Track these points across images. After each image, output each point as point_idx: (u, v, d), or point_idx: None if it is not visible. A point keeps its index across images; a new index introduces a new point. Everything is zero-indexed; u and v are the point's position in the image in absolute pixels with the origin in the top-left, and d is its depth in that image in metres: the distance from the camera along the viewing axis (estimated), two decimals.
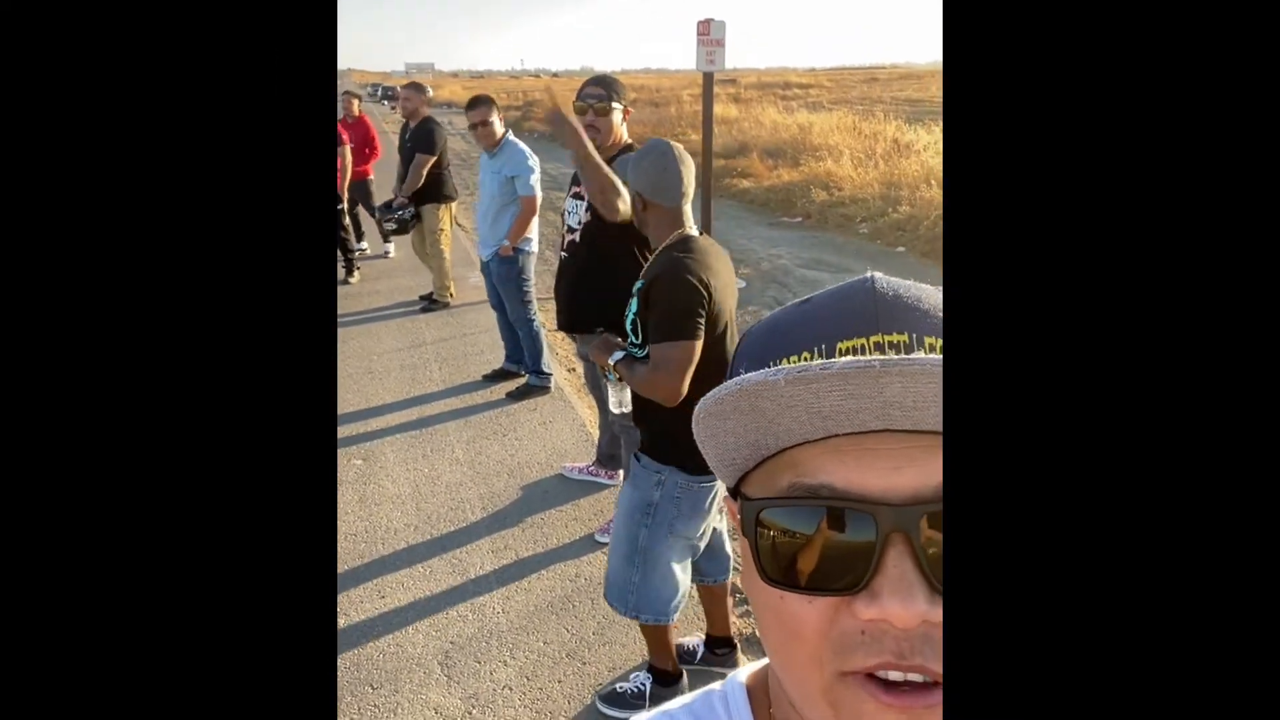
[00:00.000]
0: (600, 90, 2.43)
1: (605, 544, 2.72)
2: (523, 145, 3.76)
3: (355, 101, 6.19)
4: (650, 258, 1.83)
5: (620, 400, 1.91)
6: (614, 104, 2.42)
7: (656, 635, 1.95)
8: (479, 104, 3.71)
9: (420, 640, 2.29)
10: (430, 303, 5.34)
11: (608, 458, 3.07)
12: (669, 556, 1.82)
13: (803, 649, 0.33)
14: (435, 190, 5.00)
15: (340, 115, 6.04)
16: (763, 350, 0.37)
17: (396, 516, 2.92)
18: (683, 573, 1.87)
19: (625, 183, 2.04)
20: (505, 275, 3.76)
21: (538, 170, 3.77)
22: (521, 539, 2.77)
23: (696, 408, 0.35)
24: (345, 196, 5.88)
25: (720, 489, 1.82)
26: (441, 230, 5.07)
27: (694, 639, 2.22)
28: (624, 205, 2.13)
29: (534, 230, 3.81)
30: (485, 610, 2.42)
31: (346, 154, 5.76)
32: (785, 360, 0.35)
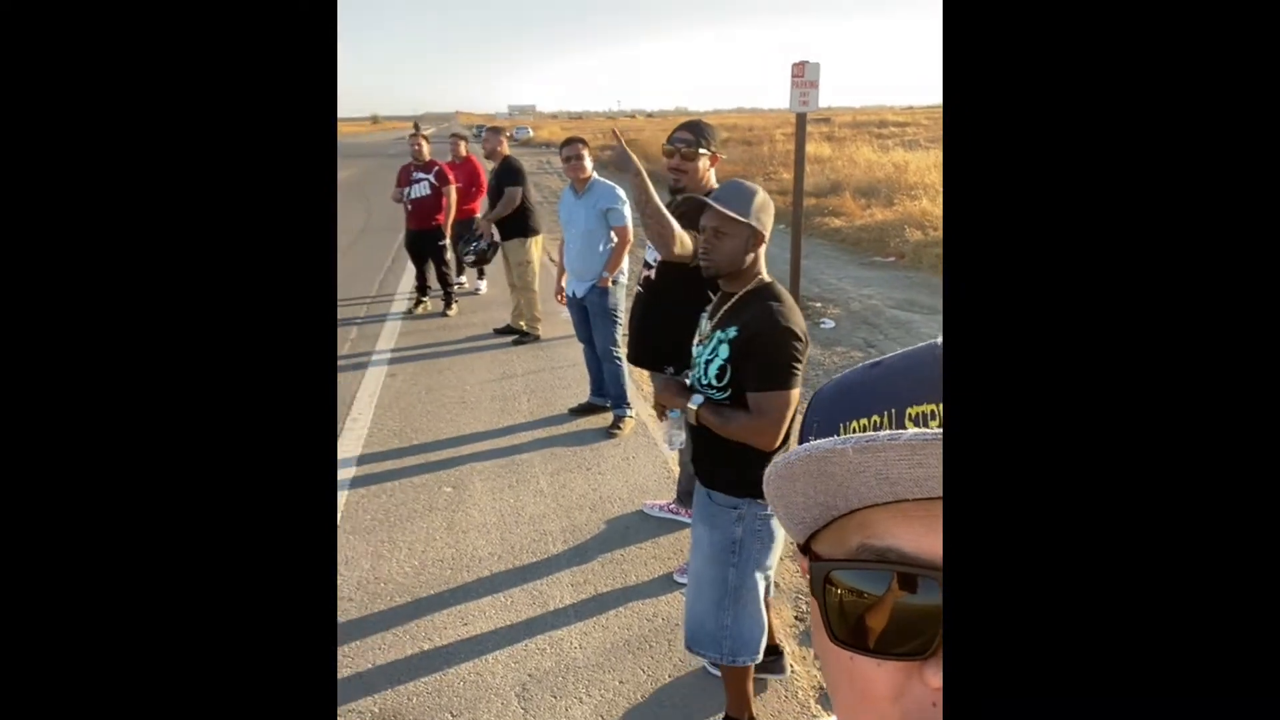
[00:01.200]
0: (689, 135, 2.45)
1: (684, 585, 2.70)
2: (610, 182, 3.90)
3: (462, 143, 6.48)
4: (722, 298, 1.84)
5: (675, 438, 1.93)
6: (701, 149, 2.45)
7: (740, 680, 1.92)
8: (572, 143, 3.92)
9: (499, 670, 2.32)
10: (521, 335, 5.49)
11: (687, 495, 3.05)
12: (756, 593, 1.82)
13: (872, 712, 0.33)
14: (521, 224, 5.18)
15: (449, 157, 6.35)
16: (832, 412, 0.38)
17: (481, 545, 2.98)
18: (764, 608, 1.86)
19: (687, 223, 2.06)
20: (600, 306, 3.85)
21: (629, 204, 3.88)
22: (601, 574, 2.78)
23: (767, 470, 0.36)
24: (449, 233, 6.17)
25: None
26: (528, 263, 5.23)
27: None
28: (680, 247, 2.16)
29: (626, 263, 3.89)
30: (563, 644, 2.42)
31: (452, 193, 6.04)
32: (854, 424, 0.36)
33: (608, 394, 4.06)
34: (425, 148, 6.09)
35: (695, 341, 1.92)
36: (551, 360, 5.10)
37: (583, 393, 4.30)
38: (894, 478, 0.31)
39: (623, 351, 3.92)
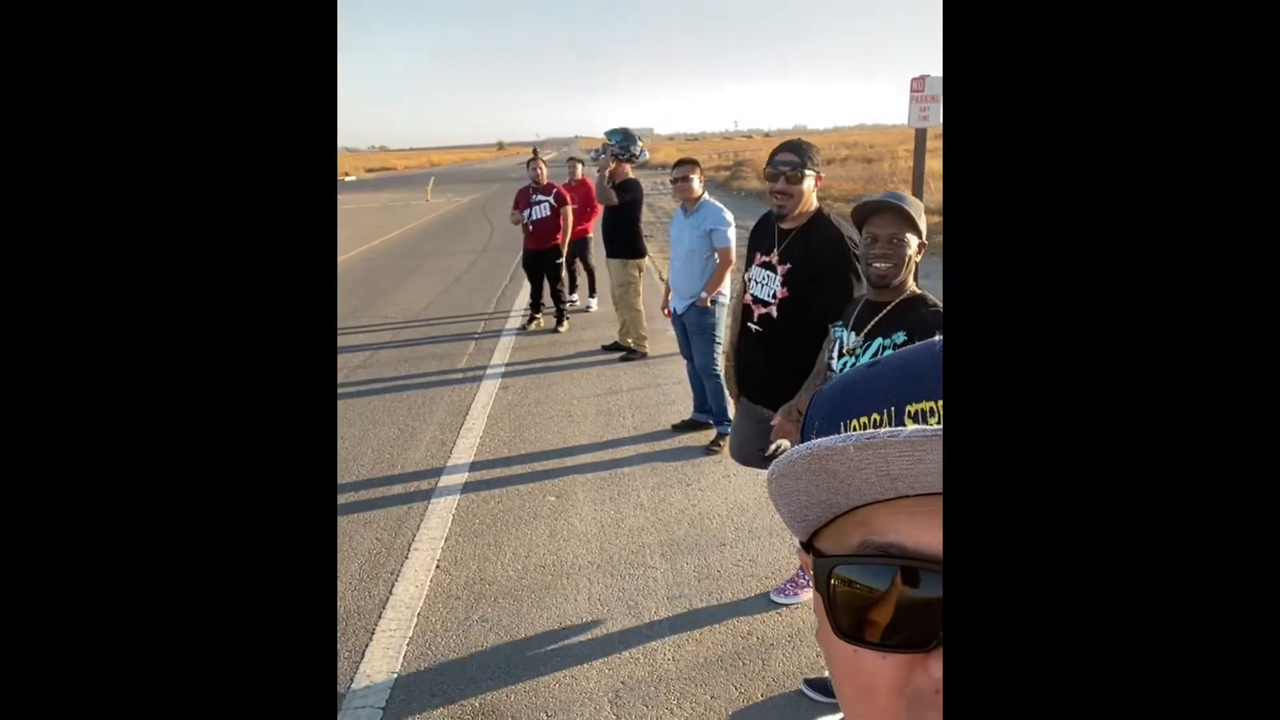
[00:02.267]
0: (793, 157, 2.38)
1: (781, 604, 2.66)
2: (718, 204, 3.94)
3: (579, 166, 6.74)
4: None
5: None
6: (807, 170, 2.37)
7: None
8: (682, 164, 4.01)
9: (594, 676, 2.37)
10: (628, 352, 5.59)
11: None
12: None
13: (876, 704, 0.33)
14: (626, 245, 5.29)
15: (566, 179, 6.61)
16: (833, 411, 0.39)
17: (581, 553, 3.06)
18: None
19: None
20: (700, 325, 3.89)
21: (734, 227, 3.90)
22: (697, 589, 2.79)
23: (769, 470, 0.37)
24: (565, 252, 6.40)
25: None
26: (630, 283, 5.34)
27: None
28: None
29: (726, 283, 3.91)
30: (657, 655, 2.45)
31: (569, 214, 6.29)
32: (855, 422, 0.37)
33: (709, 411, 4.07)
34: (544, 171, 6.35)
35: (835, 352, 1.90)
36: (657, 377, 5.17)
37: (686, 409, 4.33)
38: (895, 474, 0.32)
39: (722, 368, 3.93)
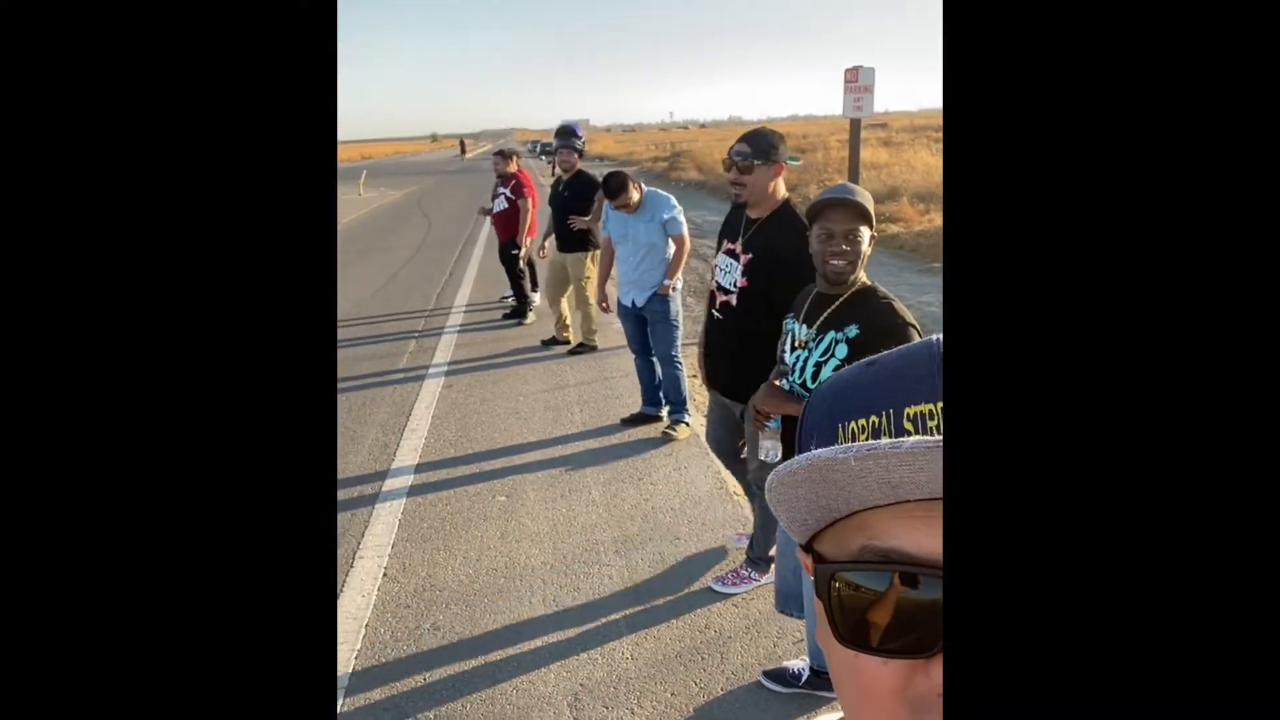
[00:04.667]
0: (745, 147, 2.41)
1: (723, 593, 2.66)
2: (662, 192, 3.93)
3: (512, 159, 6.61)
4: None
5: (771, 451, 1.89)
6: (757, 161, 2.39)
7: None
8: (616, 190, 3.83)
9: (551, 679, 2.33)
10: (578, 346, 5.54)
11: (762, 561, 2.71)
12: None
13: (877, 709, 0.33)
14: (583, 240, 5.24)
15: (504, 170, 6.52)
16: (830, 412, 0.38)
17: (534, 554, 3.00)
18: None
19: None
20: (663, 314, 3.87)
21: (682, 210, 3.92)
22: (653, 585, 2.76)
23: (769, 478, 0.36)
24: (524, 246, 6.35)
25: None
26: (589, 278, 5.29)
27: (798, 663, 2.22)
28: None
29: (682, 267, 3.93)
30: (615, 655, 2.42)
31: (528, 206, 6.22)
32: (852, 424, 0.37)
33: (659, 404, 4.06)
34: (513, 164, 6.33)
35: (788, 346, 1.89)
36: (604, 371, 5.13)
37: (635, 403, 4.30)
38: (896, 481, 0.31)
39: (682, 360, 3.92)
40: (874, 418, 0.36)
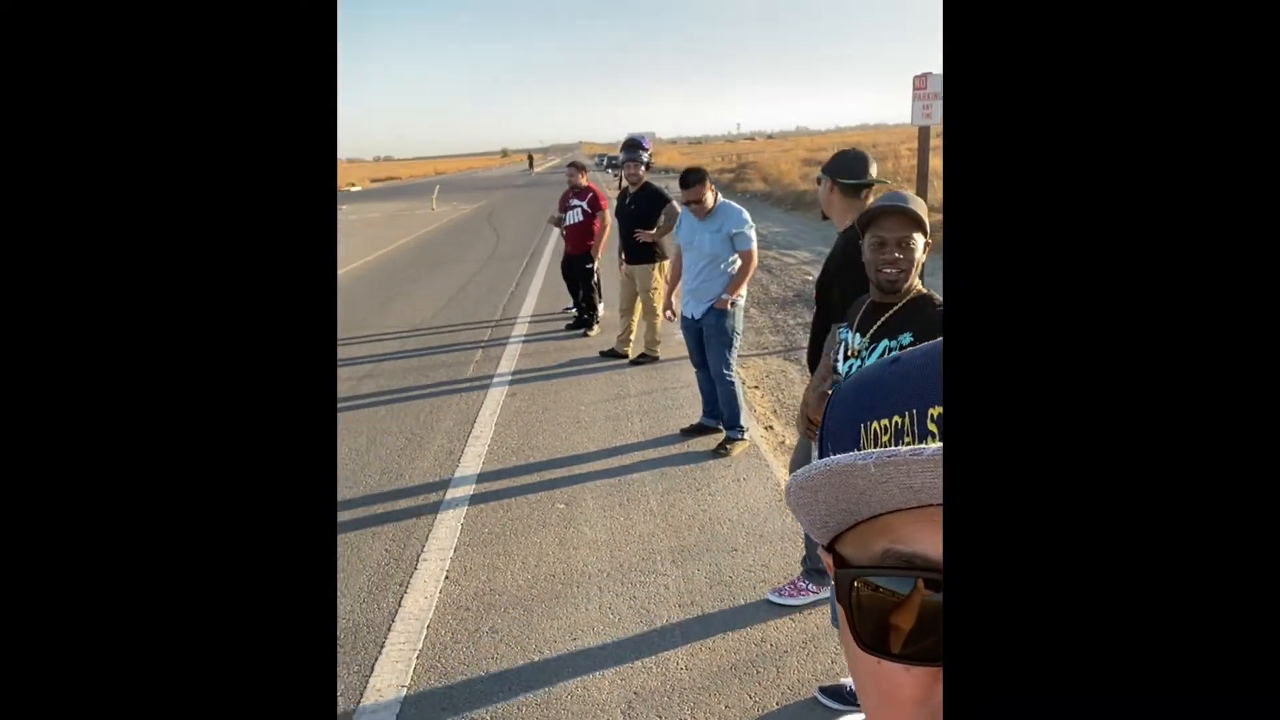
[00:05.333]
0: (821, 171, 2.42)
1: (780, 606, 2.63)
2: (736, 205, 3.88)
3: (582, 173, 6.68)
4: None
5: None
6: (820, 178, 2.42)
7: None
8: (692, 185, 3.82)
9: (606, 686, 2.34)
10: (639, 357, 5.57)
11: (817, 572, 2.69)
12: None
13: (899, 716, 0.33)
14: (649, 252, 5.29)
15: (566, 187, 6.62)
16: (852, 411, 0.38)
17: (591, 562, 3.03)
18: None
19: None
20: (718, 328, 3.85)
21: (753, 226, 3.87)
22: (709, 595, 2.75)
23: (788, 483, 0.36)
24: (598, 259, 6.44)
25: None
26: (655, 289, 5.33)
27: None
28: None
29: (744, 286, 3.87)
30: (670, 664, 2.41)
31: (605, 219, 6.30)
32: (874, 424, 0.36)
33: (719, 415, 4.04)
34: (584, 176, 6.42)
35: (840, 354, 1.87)
36: (665, 381, 5.14)
37: (695, 413, 4.30)
38: (918, 485, 0.31)
39: (738, 374, 3.89)
40: (897, 418, 0.35)
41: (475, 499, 3.62)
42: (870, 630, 0.33)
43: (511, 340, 6.56)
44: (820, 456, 0.39)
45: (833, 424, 0.39)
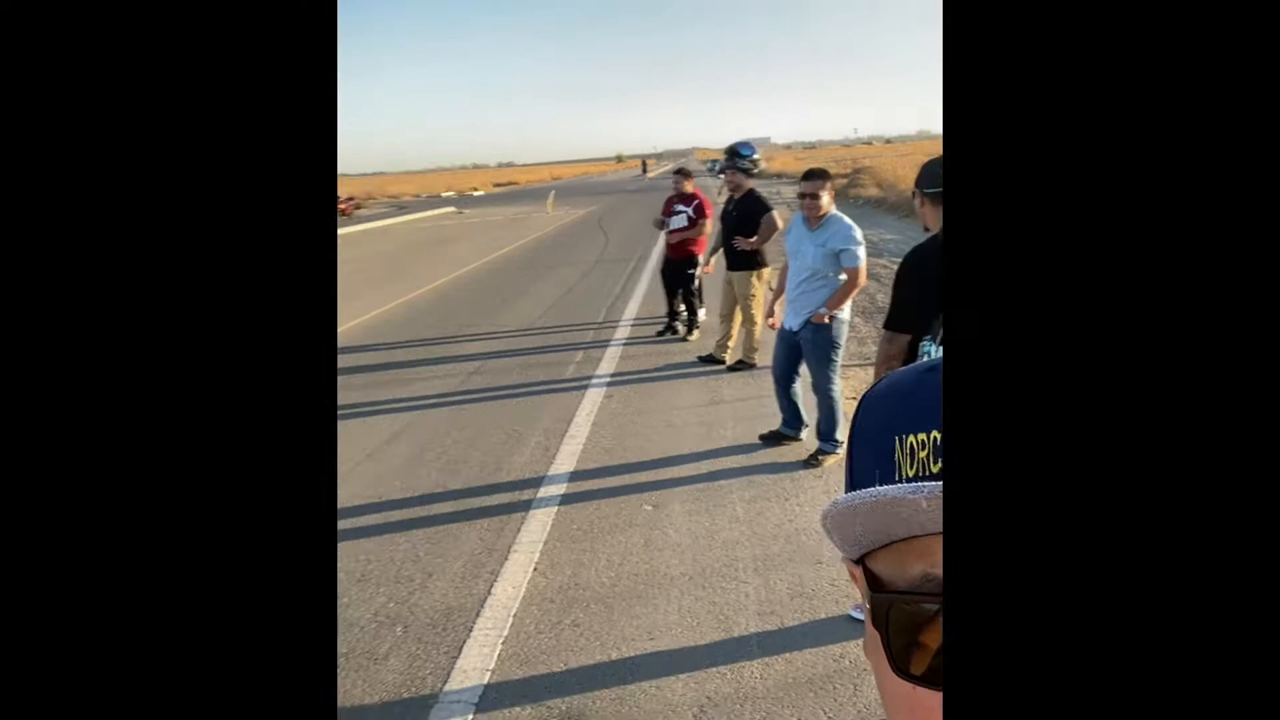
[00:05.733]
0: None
1: (860, 620, 2.55)
2: (847, 220, 3.75)
3: (686, 180, 6.73)
4: None
5: None
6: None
7: None
8: (812, 178, 3.78)
9: (679, 689, 2.37)
10: (737, 364, 5.56)
11: None
12: None
13: None
14: (749, 259, 5.27)
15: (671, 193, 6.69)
16: (888, 420, 0.36)
17: (674, 564, 3.06)
18: None
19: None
20: (815, 342, 3.79)
21: (864, 245, 3.75)
22: (789, 607, 2.73)
23: (825, 508, 0.35)
24: (704, 265, 6.48)
25: None
26: (754, 296, 5.31)
27: None
28: None
29: (847, 303, 3.79)
30: (745, 673, 2.41)
31: (706, 226, 6.36)
32: (911, 439, 0.34)
33: (797, 426, 4.00)
34: (689, 183, 6.49)
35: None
36: (760, 388, 5.10)
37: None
38: None
39: (839, 386, 3.82)
40: (936, 433, 0.33)
41: (567, 497, 3.72)
42: (906, 656, 0.32)
43: (613, 343, 6.69)
44: (849, 457, 0.39)
45: (866, 427, 0.38)
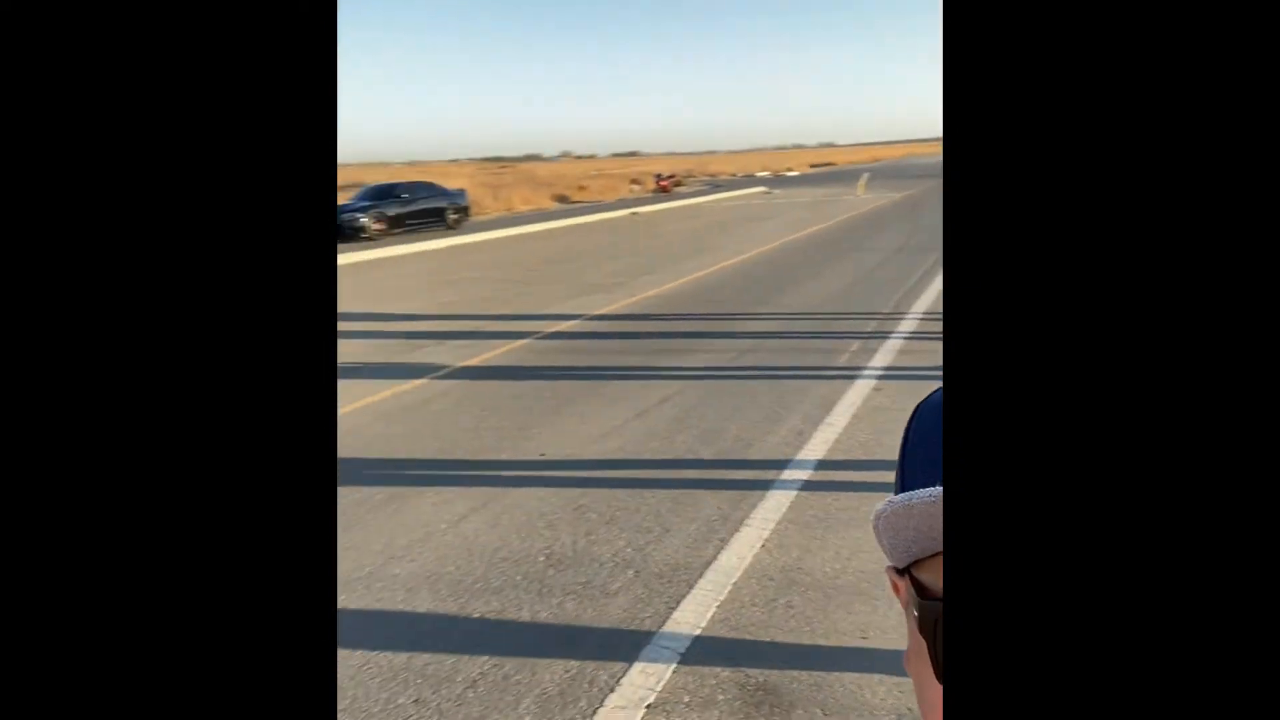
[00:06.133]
0: None
1: None
2: None
3: None
4: None
5: None
6: None
7: None
8: None
9: (881, 691, 2.32)
10: None
11: None
12: None
13: None
14: None
15: None
16: (936, 430, 0.36)
17: None
18: None
19: None
20: None
21: None
22: None
23: (880, 507, 0.36)
24: None
25: None
26: None
27: None
28: None
29: None
30: None
31: None
32: None
33: None
34: None
35: None
36: None
37: None
38: None
39: None
40: None
41: (809, 484, 3.74)
42: None
43: (894, 335, 6.41)
44: (900, 466, 0.40)
45: (919, 435, 0.38)
